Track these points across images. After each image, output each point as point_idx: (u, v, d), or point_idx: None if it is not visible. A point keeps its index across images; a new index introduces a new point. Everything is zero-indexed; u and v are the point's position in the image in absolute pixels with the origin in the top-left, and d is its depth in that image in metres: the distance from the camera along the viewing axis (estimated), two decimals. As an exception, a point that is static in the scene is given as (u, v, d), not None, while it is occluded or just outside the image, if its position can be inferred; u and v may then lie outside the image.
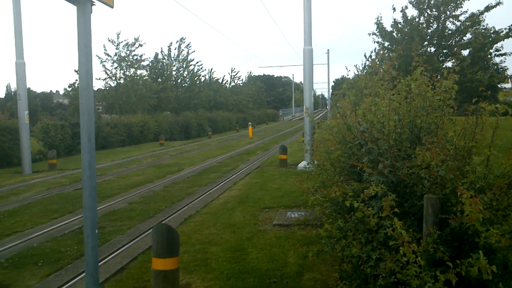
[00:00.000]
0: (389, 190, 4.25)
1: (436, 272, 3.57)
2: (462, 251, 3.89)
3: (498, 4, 22.13)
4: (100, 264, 7.06)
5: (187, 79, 51.81)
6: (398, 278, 3.75)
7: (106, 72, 39.38)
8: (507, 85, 24.44)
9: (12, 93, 63.28)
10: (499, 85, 23.22)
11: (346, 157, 5.85)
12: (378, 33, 24.65)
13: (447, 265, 3.58)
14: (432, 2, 23.05)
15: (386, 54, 24.82)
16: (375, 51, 36.73)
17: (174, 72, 50.24)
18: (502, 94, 4.08)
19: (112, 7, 4.40)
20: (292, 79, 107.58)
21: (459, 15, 23.13)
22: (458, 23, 23.29)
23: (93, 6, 4.24)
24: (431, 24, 23.61)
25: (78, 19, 4.09)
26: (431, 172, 4.15)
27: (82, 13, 4.09)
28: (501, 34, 22.38)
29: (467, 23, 22.84)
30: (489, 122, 4.24)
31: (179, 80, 51.13)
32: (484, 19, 22.94)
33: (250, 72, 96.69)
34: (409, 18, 23.51)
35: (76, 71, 37.02)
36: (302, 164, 16.34)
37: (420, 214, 4.11)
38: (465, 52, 23.51)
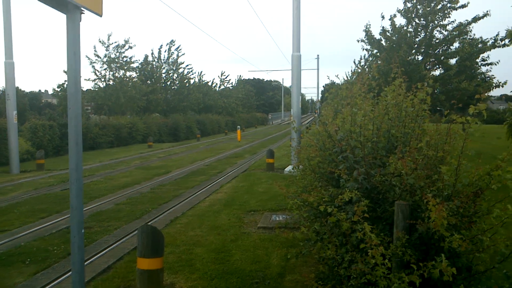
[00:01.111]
0: (363, 196, 4.47)
1: (402, 274, 3.80)
2: (429, 255, 4.11)
3: (485, 15, 22.51)
4: (87, 263, 7.22)
5: (177, 82, 51.90)
6: (368, 279, 3.97)
7: (96, 73, 39.50)
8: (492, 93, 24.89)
9: (0, 93, 62.86)
10: (486, 94, 23.63)
11: (326, 164, 6.06)
12: (366, 41, 24.95)
13: (413, 267, 3.81)
14: (420, 11, 23.39)
15: (374, 62, 25.13)
16: (364, 58, 37.15)
17: (163, 75, 50.31)
18: (473, 108, 4.29)
19: (101, 15, 4.55)
20: (282, 83, 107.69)
21: (446, 25, 23.50)
22: (445, 33, 23.66)
23: (82, 14, 4.39)
24: (419, 33, 23.95)
25: (67, 27, 4.23)
26: (402, 180, 4.38)
27: (71, 22, 4.23)
28: (488, 44, 22.78)
29: (455, 33, 23.22)
30: (460, 134, 4.46)
31: (168, 83, 51.22)
32: (472, 29, 23.34)
33: (240, 76, 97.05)
34: (397, 26, 23.81)
35: (65, 71, 37.09)
36: (288, 168, 16.54)
37: (392, 219, 4.32)
38: (452, 61, 23.91)
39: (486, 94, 23.14)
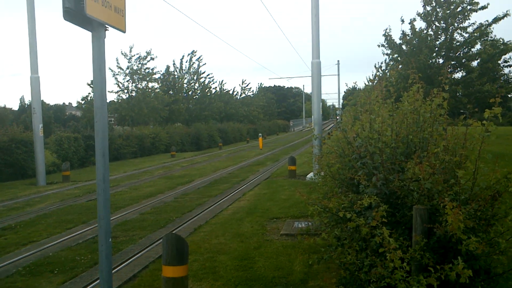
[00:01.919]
0: (382, 201, 4.54)
1: (420, 277, 3.86)
2: (447, 258, 4.16)
3: (506, 15, 22.29)
4: (113, 272, 7.35)
5: (198, 91, 52.36)
6: (387, 282, 4.04)
7: (119, 85, 40.12)
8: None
9: (26, 106, 64.14)
10: (509, 96, 23.42)
11: (346, 170, 6.13)
12: (386, 45, 24.87)
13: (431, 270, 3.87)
14: (440, 14, 23.25)
15: (395, 67, 25.04)
16: (385, 63, 36.95)
17: (185, 85, 50.78)
18: (488, 112, 4.33)
19: (124, 32, 4.72)
20: (302, 89, 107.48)
21: (467, 27, 23.31)
22: (466, 35, 23.46)
23: (106, 31, 4.55)
24: (439, 36, 23.79)
25: (92, 44, 4.39)
26: (420, 185, 4.44)
27: (96, 39, 4.40)
28: (510, 45, 22.53)
29: (475, 35, 23.02)
30: (476, 137, 4.50)
31: (190, 92, 51.70)
32: (492, 31, 23.11)
33: (261, 84, 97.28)
34: (417, 30, 23.69)
35: (89, 84, 37.73)
36: (310, 175, 16.53)
37: (411, 224, 4.38)
38: (474, 64, 23.70)
39: (507, 95, 22.88)
